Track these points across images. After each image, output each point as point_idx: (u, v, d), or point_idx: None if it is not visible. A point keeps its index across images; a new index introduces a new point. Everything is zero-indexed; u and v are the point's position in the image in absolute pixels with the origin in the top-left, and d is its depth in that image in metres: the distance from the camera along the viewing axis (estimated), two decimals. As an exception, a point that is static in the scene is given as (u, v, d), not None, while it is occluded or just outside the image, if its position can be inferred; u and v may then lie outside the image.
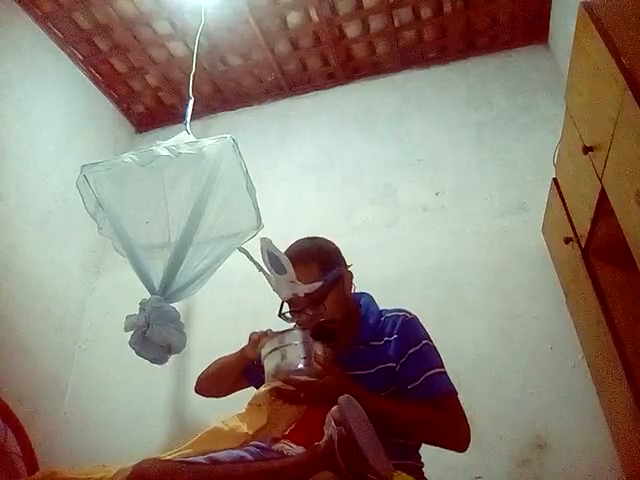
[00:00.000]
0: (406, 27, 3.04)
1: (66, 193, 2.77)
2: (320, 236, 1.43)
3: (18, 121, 2.70)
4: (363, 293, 1.46)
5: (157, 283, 2.01)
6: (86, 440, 2.54)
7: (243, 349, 1.40)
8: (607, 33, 1.38)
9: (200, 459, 1.05)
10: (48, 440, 2.47)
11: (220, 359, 1.50)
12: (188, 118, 2.39)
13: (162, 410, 2.55)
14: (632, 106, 1.24)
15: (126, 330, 1.95)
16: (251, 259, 1.36)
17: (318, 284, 1.27)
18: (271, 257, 1.28)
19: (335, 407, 0.98)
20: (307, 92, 3.37)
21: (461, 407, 1.24)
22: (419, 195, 2.77)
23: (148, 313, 1.93)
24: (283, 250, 1.31)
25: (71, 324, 2.85)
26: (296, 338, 1.24)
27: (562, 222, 1.95)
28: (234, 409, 1.24)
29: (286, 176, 3.08)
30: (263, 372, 1.26)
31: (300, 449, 1.12)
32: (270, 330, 1.31)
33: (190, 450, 1.14)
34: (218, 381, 1.49)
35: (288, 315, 1.35)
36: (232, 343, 1.47)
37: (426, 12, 2.96)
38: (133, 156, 1.99)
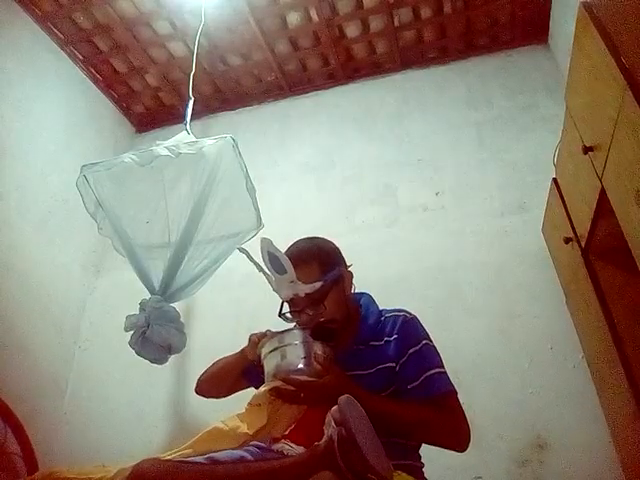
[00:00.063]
0: (406, 27, 3.04)
1: (66, 193, 2.77)
2: (320, 236, 1.43)
3: (18, 121, 2.70)
4: (363, 293, 1.46)
5: (157, 283, 2.01)
6: (86, 440, 2.54)
7: (243, 350, 1.40)
8: (607, 33, 1.38)
9: (200, 459, 1.05)
10: (48, 440, 2.48)
11: (220, 360, 1.50)
12: (188, 118, 2.39)
13: (162, 410, 2.54)
14: (632, 106, 1.24)
15: (126, 330, 1.95)
16: (251, 259, 1.36)
17: (318, 284, 1.27)
18: (271, 257, 1.27)
19: (335, 407, 0.98)
20: (307, 92, 3.37)
21: (461, 407, 1.24)
22: (419, 195, 2.77)
23: (148, 313, 1.93)
24: (283, 250, 1.31)
25: (71, 324, 2.85)
26: (296, 338, 1.24)
27: (562, 222, 1.95)
28: (234, 409, 1.24)
29: (286, 176, 3.08)
30: (263, 372, 1.26)
31: (300, 449, 1.12)
32: (269, 330, 1.31)
33: (190, 450, 1.14)
34: (218, 382, 1.50)
35: (288, 315, 1.35)
36: (232, 343, 1.47)
37: (426, 12, 2.96)
38: (133, 156, 1.99)
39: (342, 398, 1.00)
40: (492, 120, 2.88)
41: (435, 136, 2.94)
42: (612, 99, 1.35)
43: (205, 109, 3.40)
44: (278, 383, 1.19)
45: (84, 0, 2.82)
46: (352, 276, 1.39)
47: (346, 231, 2.72)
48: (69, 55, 3.09)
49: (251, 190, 2.02)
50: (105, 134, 3.34)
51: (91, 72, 3.22)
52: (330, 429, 0.97)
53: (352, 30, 3.06)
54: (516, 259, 2.42)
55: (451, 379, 1.27)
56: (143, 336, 1.93)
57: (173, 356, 2.05)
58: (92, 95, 3.27)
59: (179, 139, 2.13)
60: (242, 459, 1.09)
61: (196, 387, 1.55)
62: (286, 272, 1.26)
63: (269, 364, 1.24)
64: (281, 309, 1.35)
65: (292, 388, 1.17)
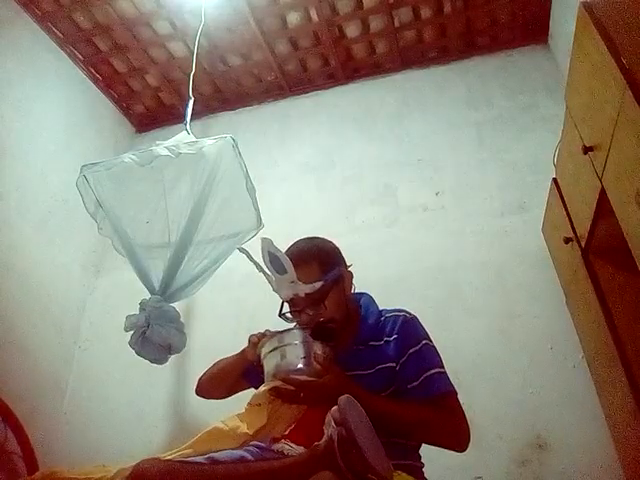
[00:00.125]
0: (406, 27, 3.04)
1: (66, 193, 2.77)
2: (320, 236, 1.43)
3: (18, 121, 2.70)
4: (363, 293, 1.46)
5: (157, 283, 2.01)
6: (86, 440, 2.54)
7: (243, 351, 1.40)
8: (607, 33, 1.38)
9: (200, 459, 1.05)
10: (48, 440, 2.48)
11: (220, 361, 1.50)
12: (188, 118, 2.39)
13: (162, 410, 2.54)
14: (632, 106, 1.24)
15: (126, 330, 1.95)
16: (251, 259, 1.36)
17: (319, 284, 1.27)
18: (272, 257, 1.27)
19: (335, 407, 0.98)
20: (307, 92, 3.37)
21: (461, 407, 1.24)
22: (419, 195, 2.77)
23: (148, 313, 1.93)
24: (283, 250, 1.31)
25: (71, 324, 2.85)
26: (296, 338, 1.24)
27: (562, 222, 1.95)
28: (234, 409, 1.24)
29: (286, 176, 3.08)
30: (263, 372, 1.26)
31: (300, 449, 1.12)
32: (268, 330, 1.31)
33: (190, 450, 1.14)
34: (218, 383, 1.49)
35: (288, 315, 1.35)
36: (232, 343, 1.47)
37: (426, 12, 2.96)
38: (133, 156, 1.99)
39: (342, 398, 1.00)
40: (492, 120, 2.88)
41: (435, 136, 2.94)
42: (612, 99, 1.35)
43: (205, 109, 3.40)
44: (278, 383, 1.19)
45: (84, 0, 2.82)
46: (352, 276, 1.39)
47: (346, 231, 2.72)
48: (69, 55, 3.09)
49: (251, 190, 2.02)
50: (105, 134, 3.34)
51: (91, 72, 3.22)
52: (330, 429, 0.97)
53: (352, 30, 3.06)
54: (516, 259, 2.42)
55: (451, 379, 1.27)
56: (143, 336, 1.93)
57: (173, 356, 2.05)
58: (92, 95, 3.27)
59: (179, 139, 2.13)
60: (242, 459, 1.09)
61: (196, 388, 1.55)
62: (286, 272, 1.26)
63: (269, 364, 1.24)
64: (281, 309, 1.35)
65: (292, 388, 1.17)
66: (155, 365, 2.03)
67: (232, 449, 1.13)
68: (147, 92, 3.39)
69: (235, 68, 3.25)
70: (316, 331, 1.26)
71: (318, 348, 1.23)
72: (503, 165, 2.71)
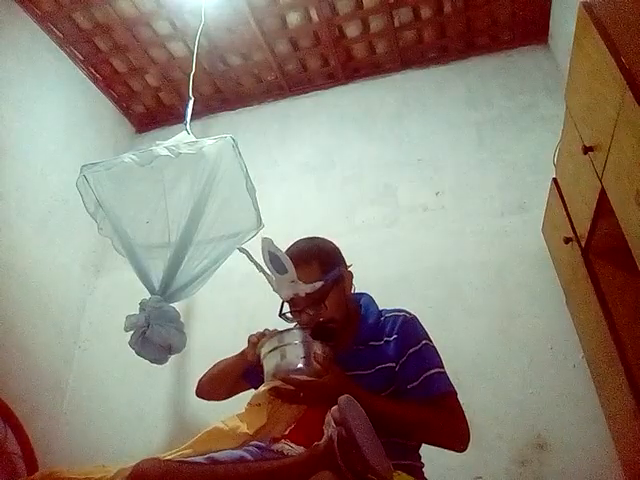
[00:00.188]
0: (406, 27, 3.04)
1: (66, 193, 2.77)
2: (320, 236, 1.43)
3: (18, 121, 2.70)
4: (363, 293, 1.46)
5: (157, 283, 2.01)
6: (86, 440, 2.54)
7: (243, 351, 1.39)
8: (607, 33, 1.38)
9: (200, 459, 1.05)
10: (48, 440, 2.48)
11: (220, 362, 1.50)
12: (188, 118, 2.39)
13: (162, 410, 2.54)
14: (632, 106, 1.24)
15: (126, 330, 1.95)
16: (251, 259, 1.36)
17: (319, 284, 1.27)
18: (272, 257, 1.27)
19: (335, 407, 0.98)
20: (307, 92, 3.37)
21: (461, 407, 1.24)
22: (419, 195, 2.77)
23: (148, 313, 1.93)
24: (283, 250, 1.31)
25: (71, 324, 2.85)
26: (295, 337, 1.24)
27: (562, 222, 1.95)
28: (234, 409, 1.24)
29: (286, 176, 3.08)
30: (263, 372, 1.26)
31: (300, 449, 1.12)
32: (267, 329, 1.31)
33: (190, 450, 1.14)
34: (219, 384, 1.49)
35: (289, 315, 1.35)
36: (232, 343, 1.47)
37: (426, 12, 2.96)
38: (133, 156, 1.99)
39: (342, 398, 1.00)
40: (492, 120, 2.88)
41: (435, 136, 2.94)
42: (612, 99, 1.35)
43: (205, 109, 3.40)
44: (278, 383, 1.18)
45: (84, 0, 2.82)
46: (352, 276, 1.39)
47: (346, 231, 2.72)
48: (69, 55, 3.09)
49: (251, 190, 2.02)
50: (105, 134, 3.34)
51: (91, 72, 3.22)
52: (330, 429, 0.97)
53: (352, 30, 3.06)
54: (516, 259, 2.42)
55: (451, 379, 1.27)
56: (143, 336, 1.93)
57: (173, 356, 2.05)
58: (92, 95, 3.27)
59: (179, 139, 2.13)
60: (242, 459, 1.09)
61: (196, 390, 1.54)
62: (287, 272, 1.26)
63: (269, 364, 1.24)
64: (281, 309, 1.35)
65: (292, 388, 1.17)
66: (155, 365, 2.03)
67: (232, 449, 1.13)
68: (147, 92, 3.40)
69: (235, 68, 3.25)
70: (316, 331, 1.26)
71: (318, 348, 1.23)
72: (503, 165, 2.71)
